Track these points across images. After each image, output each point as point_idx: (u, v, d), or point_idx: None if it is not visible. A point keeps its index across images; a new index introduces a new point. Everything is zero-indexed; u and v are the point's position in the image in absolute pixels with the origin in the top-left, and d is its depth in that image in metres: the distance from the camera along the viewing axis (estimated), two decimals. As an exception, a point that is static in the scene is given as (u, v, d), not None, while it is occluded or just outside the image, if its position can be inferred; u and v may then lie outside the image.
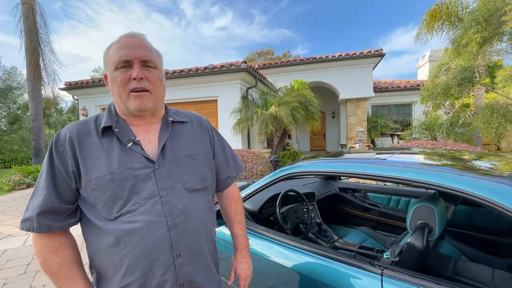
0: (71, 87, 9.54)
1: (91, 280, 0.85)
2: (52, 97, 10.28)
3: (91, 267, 0.85)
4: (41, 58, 9.34)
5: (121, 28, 46.56)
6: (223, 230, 1.58)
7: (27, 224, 0.74)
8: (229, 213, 1.10)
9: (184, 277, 0.81)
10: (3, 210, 5.09)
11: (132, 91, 0.78)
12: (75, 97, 10.01)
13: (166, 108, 0.93)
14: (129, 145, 0.79)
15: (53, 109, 16.66)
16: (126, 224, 0.75)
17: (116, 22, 45.94)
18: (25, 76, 9.90)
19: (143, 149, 0.81)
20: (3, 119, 16.94)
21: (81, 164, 0.76)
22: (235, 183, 1.12)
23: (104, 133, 0.80)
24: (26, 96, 16.62)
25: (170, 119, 0.90)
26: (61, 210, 0.76)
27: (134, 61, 0.77)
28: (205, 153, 0.93)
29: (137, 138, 0.82)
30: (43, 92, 9.68)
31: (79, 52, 46.59)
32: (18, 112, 16.67)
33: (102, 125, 0.80)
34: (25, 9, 9.02)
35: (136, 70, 0.77)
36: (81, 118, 9.76)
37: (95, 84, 9.28)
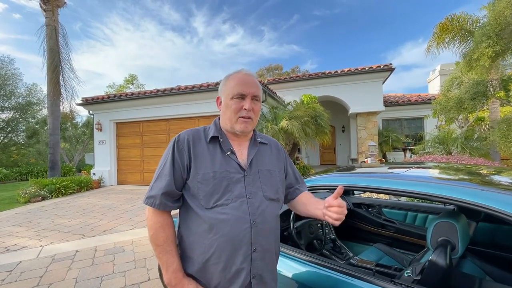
0: (87, 102, 9.92)
1: None
2: (69, 112, 10.67)
3: (177, 246, 1.01)
4: (61, 75, 9.79)
5: (135, 46, 48.57)
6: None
7: (150, 200, 0.95)
8: (310, 198, 1.14)
9: (256, 270, 0.94)
10: (18, 222, 5.20)
11: (240, 117, 1.00)
12: (91, 112, 10.38)
13: (254, 130, 1.13)
14: (228, 153, 1.01)
15: (69, 124, 17.24)
16: (220, 215, 0.92)
17: (131, 40, 47.97)
18: (45, 92, 10.43)
19: (237, 158, 1.01)
20: (21, 133, 17.65)
21: (193, 160, 0.97)
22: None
23: (211, 141, 1.02)
24: (44, 111, 17.36)
25: (258, 139, 1.11)
26: (174, 194, 0.97)
27: (248, 95, 1.00)
28: (279, 171, 1.11)
29: (233, 149, 1.03)
30: (61, 107, 10.07)
31: (96, 68, 48.38)
32: (36, 126, 17.32)
33: (211, 134, 1.02)
34: (49, 30, 9.59)
35: (248, 103, 0.99)
36: (95, 132, 10.08)
37: (110, 99, 9.62)
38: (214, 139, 1.02)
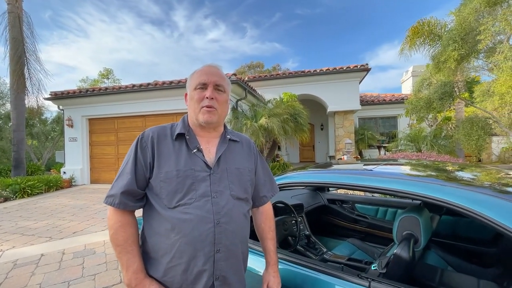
0: (56, 97, 9.32)
1: None
2: (36, 107, 9.99)
3: (140, 247, 0.97)
4: (26, 67, 9.12)
5: (112, 39, 46.39)
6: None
7: (110, 200, 0.91)
8: (264, 229, 1.19)
9: (220, 271, 0.91)
10: (-24, 226, 4.79)
11: (203, 107, 0.96)
12: (61, 107, 9.76)
13: (225, 127, 1.11)
14: (194, 151, 0.97)
15: (37, 119, 16.13)
16: (182, 214, 0.89)
17: (107, 33, 45.66)
18: (9, 85, 9.62)
19: (204, 156, 0.97)
20: (-18, 130, 16.25)
21: (156, 158, 0.94)
22: (270, 203, 1.23)
23: (177, 138, 0.98)
24: (8, 106, 16.07)
25: (228, 136, 1.07)
26: (136, 193, 0.93)
27: (209, 84, 0.97)
28: (249, 170, 1.08)
29: (201, 147, 0.99)
30: (26, 102, 9.37)
31: (68, 61, 45.32)
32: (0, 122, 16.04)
33: (177, 131, 0.98)
34: (12, 18, 8.87)
35: (210, 91, 0.97)
36: (66, 128, 9.51)
37: (82, 94, 9.12)
38: (181, 136, 0.99)
